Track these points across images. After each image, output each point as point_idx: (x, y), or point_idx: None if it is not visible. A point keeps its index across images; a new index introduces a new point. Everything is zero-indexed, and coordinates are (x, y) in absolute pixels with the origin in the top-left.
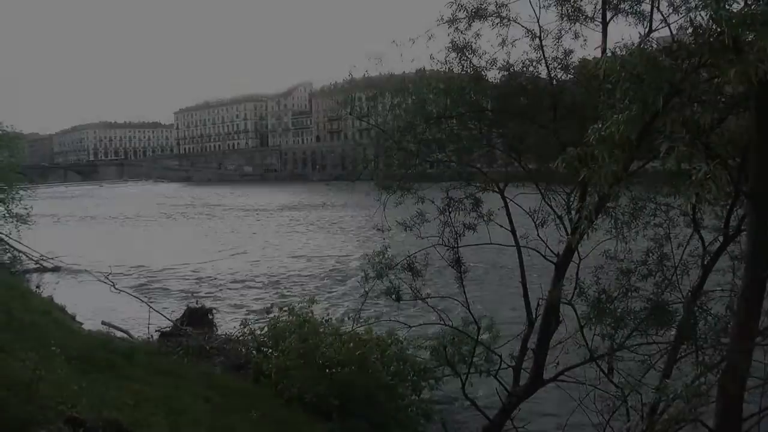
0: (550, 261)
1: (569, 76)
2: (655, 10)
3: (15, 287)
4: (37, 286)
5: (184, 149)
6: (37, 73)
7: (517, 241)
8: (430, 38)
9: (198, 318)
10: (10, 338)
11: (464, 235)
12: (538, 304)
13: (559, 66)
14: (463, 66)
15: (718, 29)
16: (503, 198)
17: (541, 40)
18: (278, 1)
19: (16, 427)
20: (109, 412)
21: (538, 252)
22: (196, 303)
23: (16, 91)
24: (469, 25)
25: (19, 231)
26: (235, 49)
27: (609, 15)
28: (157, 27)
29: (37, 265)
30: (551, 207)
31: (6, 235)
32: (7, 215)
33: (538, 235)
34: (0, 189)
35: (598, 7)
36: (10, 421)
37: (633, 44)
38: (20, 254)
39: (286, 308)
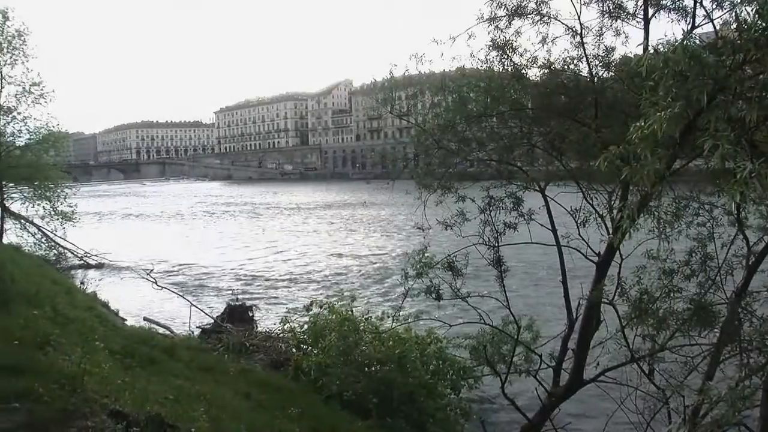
0: (591, 261)
1: (611, 73)
2: (698, 5)
3: (60, 283)
4: (82, 282)
5: (225, 148)
6: (81, 73)
7: (558, 240)
8: (470, 36)
9: (238, 315)
10: (57, 333)
11: (505, 234)
12: (578, 304)
13: (601, 63)
14: (503, 64)
15: (764, 24)
16: (544, 197)
17: (582, 38)
18: (318, 1)
19: (62, 419)
20: (151, 406)
21: (579, 251)
22: (237, 300)
23: (62, 90)
24: (509, 23)
25: (64, 228)
26: (276, 48)
27: (651, 11)
28: (198, 27)
29: (82, 262)
30: (593, 206)
31: (52, 232)
32: (52, 213)
33: (579, 234)
34: (46, 187)
35: (640, 3)
36: (56, 412)
37: (676, 41)
38: (65, 251)
39: (326, 306)
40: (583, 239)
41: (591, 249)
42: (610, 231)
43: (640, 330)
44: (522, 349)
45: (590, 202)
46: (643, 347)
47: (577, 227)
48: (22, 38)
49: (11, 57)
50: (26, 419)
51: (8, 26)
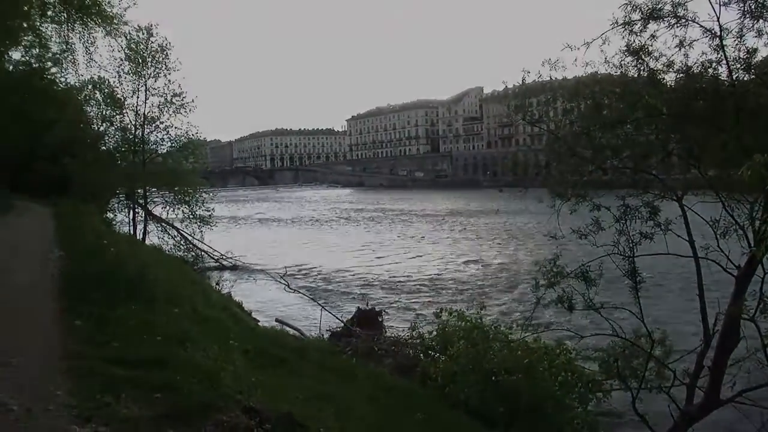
0: (731, 274)
1: (753, 77)
2: None
3: (198, 283)
4: (217, 283)
5: (356, 155)
6: (219, 83)
7: (695, 251)
8: (604, 42)
9: (368, 319)
10: (195, 330)
11: (640, 245)
12: (716, 319)
13: (742, 67)
14: (639, 69)
15: None
16: (681, 207)
17: (721, 40)
18: (450, 7)
19: (200, 412)
20: (282, 404)
21: (717, 264)
22: (366, 305)
23: (201, 100)
24: (645, 27)
25: (201, 231)
26: (406, 56)
27: None
28: (330, 36)
29: (217, 264)
30: (733, 217)
31: (190, 235)
32: (191, 216)
33: (718, 246)
34: (185, 192)
35: None
36: (195, 405)
37: None
38: (202, 253)
39: (455, 313)
40: (722, 251)
41: (731, 262)
42: (752, 243)
43: None
44: (654, 364)
45: (730, 212)
46: None
47: (716, 238)
48: (165, 53)
49: (154, 70)
50: (167, 410)
51: (152, 42)
